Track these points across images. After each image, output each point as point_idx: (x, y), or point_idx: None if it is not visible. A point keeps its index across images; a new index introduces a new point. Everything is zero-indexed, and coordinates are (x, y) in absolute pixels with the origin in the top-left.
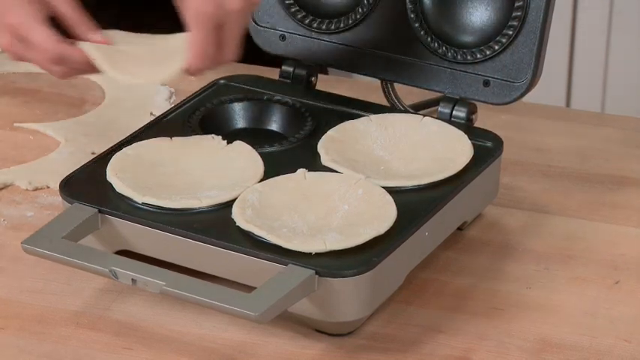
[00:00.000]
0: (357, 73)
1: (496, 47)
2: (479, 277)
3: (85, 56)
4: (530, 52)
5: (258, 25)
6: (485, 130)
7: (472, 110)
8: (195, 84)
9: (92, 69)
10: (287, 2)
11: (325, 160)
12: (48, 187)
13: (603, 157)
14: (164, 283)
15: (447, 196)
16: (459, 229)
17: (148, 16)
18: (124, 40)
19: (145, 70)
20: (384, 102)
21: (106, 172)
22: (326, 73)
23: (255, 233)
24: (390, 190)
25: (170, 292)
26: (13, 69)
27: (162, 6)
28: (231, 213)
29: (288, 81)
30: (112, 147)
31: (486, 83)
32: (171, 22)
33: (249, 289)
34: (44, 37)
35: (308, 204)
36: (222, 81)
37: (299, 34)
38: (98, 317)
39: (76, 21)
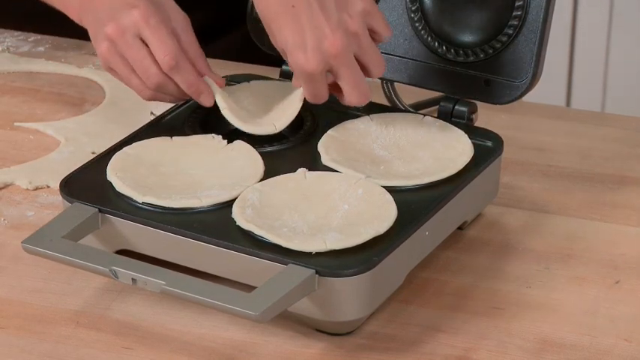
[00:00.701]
0: None
1: (496, 47)
2: (479, 276)
3: (196, 75)
4: (530, 52)
5: (258, 24)
6: (486, 130)
7: (472, 110)
8: None
9: (184, 95)
10: None
11: (325, 159)
12: (48, 187)
13: (603, 156)
14: (164, 283)
15: (447, 196)
16: (459, 228)
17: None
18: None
19: (262, 119)
20: (384, 102)
21: (106, 171)
22: None
23: (256, 233)
24: (391, 190)
25: (170, 292)
26: (13, 68)
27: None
28: (231, 212)
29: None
30: (112, 146)
31: (487, 83)
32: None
33: (250, 288)
34: (168, 37)
35: (308, 203)
36: None
37: None
38: (98, 317)
39: (197, 55)
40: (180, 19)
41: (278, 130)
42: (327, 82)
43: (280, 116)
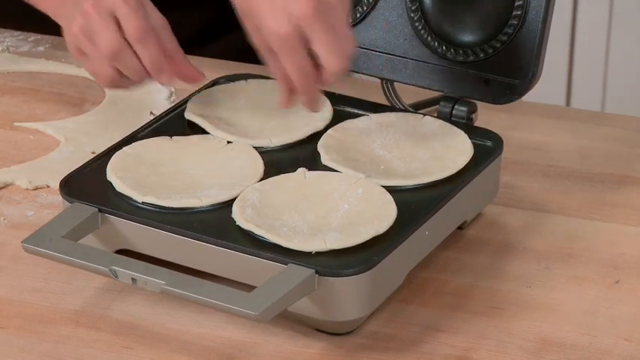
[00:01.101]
0: (357, 72)
1: (496, 46)
2: (479, 276)
3: (161, 53)
4: (530, 52)
5: None
6: (486, 130)
7: (472, 109)
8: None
9: (144, 73)
10: None
11: (325, 159)
12: (48, 187)
13: (603, 156)
14: (164, 283)
15: (447, 196)
16: (459, 228)
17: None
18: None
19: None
20: (384, 101)
21: (106, 171)
22: None
23: (255, 232)
24: (390, 190)
25: (170, 292)
26: (13, 68)
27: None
28: (231, 212)
29: None
30: (112, 146)
31: (486, 82)
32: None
33: (249, 288)
34: (142, 16)
35: (308, 203)
36: (221, 80)
37: None
38: (98, 316)
39: (175, 50)
40: (160, 20)
41: (275, 145)
42: (309, 59)
43: (286, 129)
